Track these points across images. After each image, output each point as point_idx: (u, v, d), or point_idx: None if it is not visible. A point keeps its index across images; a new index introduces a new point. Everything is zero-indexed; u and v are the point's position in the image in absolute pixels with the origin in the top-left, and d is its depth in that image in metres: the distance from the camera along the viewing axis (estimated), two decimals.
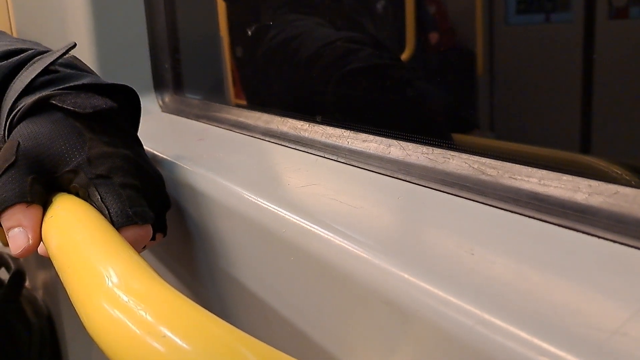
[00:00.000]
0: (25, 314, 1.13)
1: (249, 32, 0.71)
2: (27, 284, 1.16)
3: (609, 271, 0.24)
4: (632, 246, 0.25)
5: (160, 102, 0.82)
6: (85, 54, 0.83)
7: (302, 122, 0.52)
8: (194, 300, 0.26)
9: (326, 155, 0.46)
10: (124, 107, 0.49)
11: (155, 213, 0.43)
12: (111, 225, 0.38)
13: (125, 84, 0.49)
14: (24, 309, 1.12)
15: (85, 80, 0.47)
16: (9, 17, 1.24)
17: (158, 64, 0.83)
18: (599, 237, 0.26)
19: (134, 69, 0.83)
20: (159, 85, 0.83)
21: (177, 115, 0.76)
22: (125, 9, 0.82)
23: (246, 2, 0.74)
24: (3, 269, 1.11)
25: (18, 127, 0.44)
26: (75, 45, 0.49)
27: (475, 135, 0.46)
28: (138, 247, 0.41)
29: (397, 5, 0.54)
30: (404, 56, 0.53)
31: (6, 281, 1.08)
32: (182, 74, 0.82)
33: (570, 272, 0.24)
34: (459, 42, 0.48)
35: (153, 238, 0.44)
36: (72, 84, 0.46)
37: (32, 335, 1.11)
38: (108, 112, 0.45)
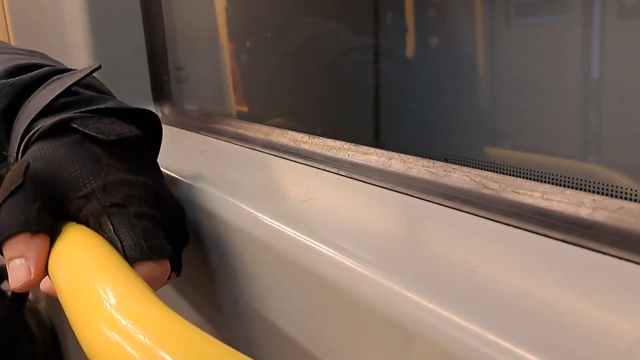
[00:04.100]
0: (29, 326, 1.12)
1: (251, 41, 0.70)
2: (29, 295, 1.15)
3: (616, 289, 0.23)
4: (638, 263, 0.24)
5: (160, 114, 0.82)
6: (84, 64, 0.82)
7: (302, 135, 0.51)
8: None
9: (327, 168, 0.45)
10: (144, 132, 0.44)
11: (173, 249, 0.39)
12: (125, 261, 0.34)
13: (148, 109, 0.46)
14: (27, 321, 1.12)
15: (108, 104, 0.44)
16: (7, 30, 1.24)
17: (157, 75, 0.83)
18: (604, 253, 0.25)
19: (132, 80, 0.83)
20: (158, 97, 0.83)
21: (177, 127, 0.76)
22: (124, 20, 0.82)
23: (248, 9, 0.74)
24: (6, 282, 1.11)
25: (31, 148, 0.40)
26: (100, 66, 0.46)
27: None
28: (154, 286, 0.36)
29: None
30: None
31: (9, 293, 1.08)
32: (182, 85, 0.82)
33: (577, 291, 0.24)
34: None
35: (167, 277, 0.39)
36: (94, 107, 0.43)
37: (35, 347, 1.11)
38: (132, 139, 0.42)
